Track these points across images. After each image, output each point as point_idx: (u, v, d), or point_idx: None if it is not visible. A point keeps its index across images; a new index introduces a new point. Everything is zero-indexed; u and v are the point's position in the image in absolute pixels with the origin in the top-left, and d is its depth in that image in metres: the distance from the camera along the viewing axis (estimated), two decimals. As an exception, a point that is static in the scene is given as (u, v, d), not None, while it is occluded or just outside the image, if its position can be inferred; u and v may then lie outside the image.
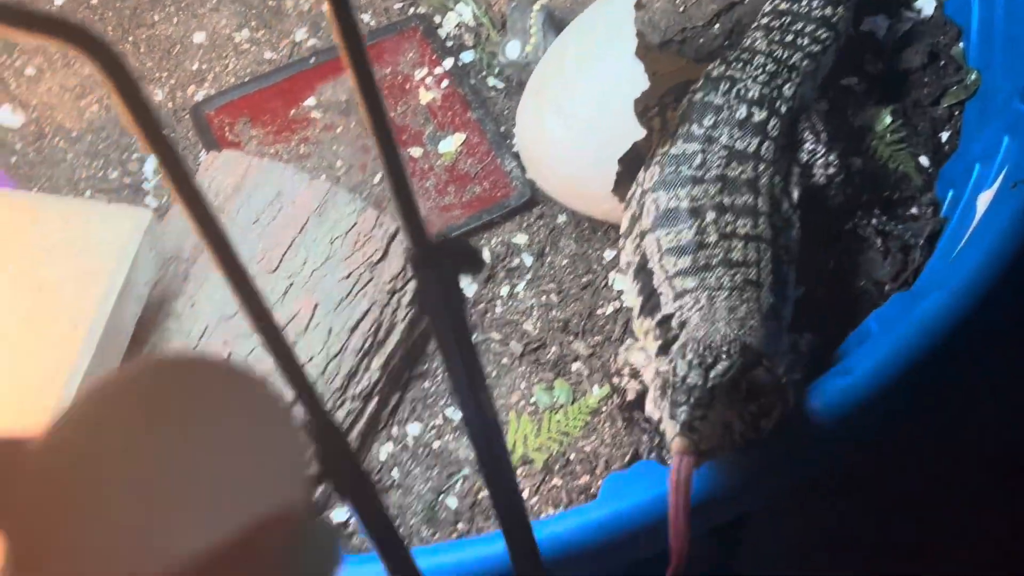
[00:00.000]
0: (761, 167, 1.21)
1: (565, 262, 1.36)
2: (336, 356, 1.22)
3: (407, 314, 1.27)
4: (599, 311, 1.33)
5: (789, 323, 1.14)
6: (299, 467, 0.56)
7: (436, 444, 1.27)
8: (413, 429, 1.27)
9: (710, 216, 1.17)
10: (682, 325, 1.10)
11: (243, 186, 1.27)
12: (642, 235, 1.20)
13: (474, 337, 1.33)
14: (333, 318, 1.22)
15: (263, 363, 1.23)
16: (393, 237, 1.27)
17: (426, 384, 1.30)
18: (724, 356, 1.00)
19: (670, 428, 0.98)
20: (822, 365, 1.10)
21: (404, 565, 0.71)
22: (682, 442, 0.98)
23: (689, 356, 1.01)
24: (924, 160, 1.35)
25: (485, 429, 0.75)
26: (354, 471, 0.63)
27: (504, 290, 1.35)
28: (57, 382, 1.03)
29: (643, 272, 1.18)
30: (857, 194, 1.29)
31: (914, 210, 1.31)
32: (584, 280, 1.35)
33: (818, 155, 1.27)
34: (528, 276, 1.36)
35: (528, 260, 1.36)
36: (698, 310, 1.10)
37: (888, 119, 1.37)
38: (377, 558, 0.69)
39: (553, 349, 1.31)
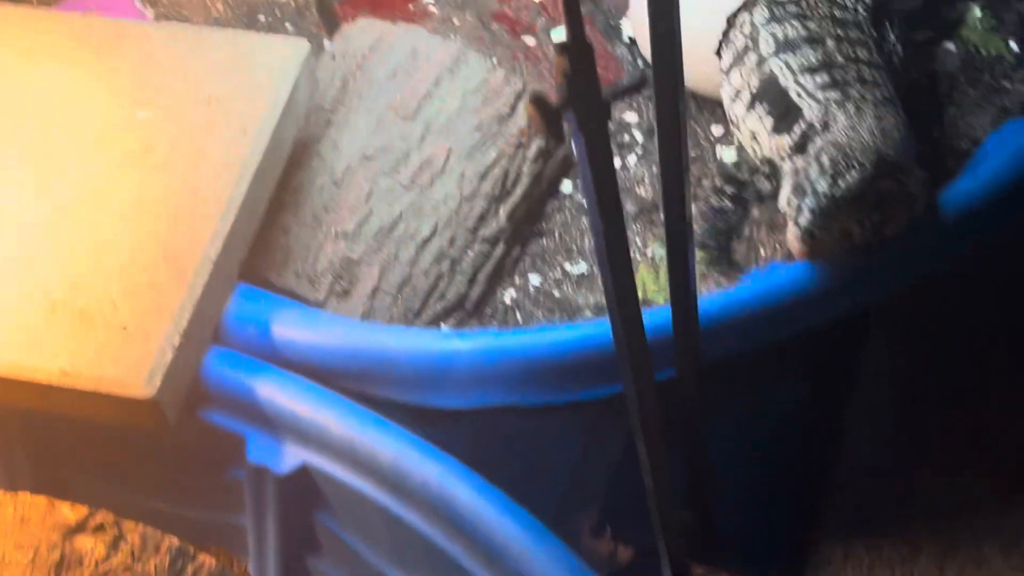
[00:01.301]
0: (859, 7, 1.29)
1: (673, 138, 1.44)
2: (469, 199, 1.29)
3: (531, 169, 1.34)
4: (705, 181, 1.40)
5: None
6: None
7: (556, 293, 1.33)
8: (534, 279, 1.34)
9: (830, 43, 1.23)
10: (825, 127, 1.15)
11: (380, 46, 1.35)
12: (761, 61, 1.25)
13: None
14: (465, 163, 1.30)
15: (399, 201, 1.29)
16: (520, 95, 1.34)
17: (544, 241, 1.37)
18: (856, 166, 1.07)
19: (791, 230, 1.06)
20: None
21: (618, 229, 0.77)
22: (799, 247, 1.07)
23: (825, 161, 1.08)
24: (1013, 44, 1.44)
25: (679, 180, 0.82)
26: (597, 98, 0.70)
27: (616, 163, 1.42)
28: (230, 180, 1.11)
29: (773, 92, 1.22)
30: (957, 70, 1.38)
31: (1007, 84, 1.39)
32: (693, 154, 1.42)
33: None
34: (639, 151, 1.43)
35: (639, 136, 1.44)
36: (846, 116, 1.15)
37: (978, 12, 1.46)
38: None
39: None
